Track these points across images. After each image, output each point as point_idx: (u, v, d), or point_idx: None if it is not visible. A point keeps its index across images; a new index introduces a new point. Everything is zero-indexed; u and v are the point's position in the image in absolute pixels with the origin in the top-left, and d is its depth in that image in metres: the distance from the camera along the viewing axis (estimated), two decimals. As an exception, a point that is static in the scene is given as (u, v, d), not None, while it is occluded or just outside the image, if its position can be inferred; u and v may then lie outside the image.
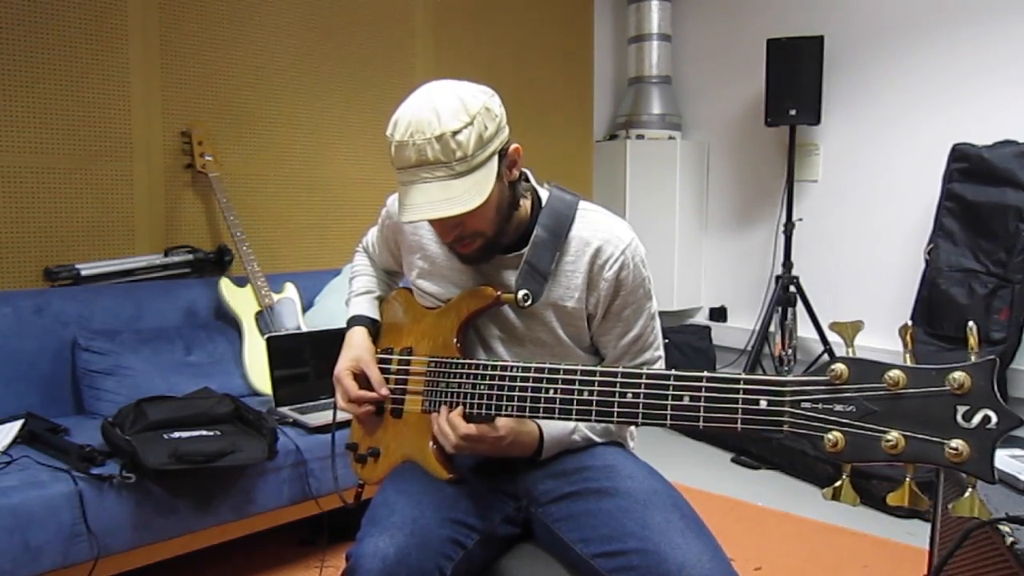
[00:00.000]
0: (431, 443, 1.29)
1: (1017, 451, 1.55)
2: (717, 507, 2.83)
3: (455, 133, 1.13)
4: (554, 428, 1.27)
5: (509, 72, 3.85)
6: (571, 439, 1.31)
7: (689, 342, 4.09)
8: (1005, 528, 1.23)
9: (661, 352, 1.41)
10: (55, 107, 2.55)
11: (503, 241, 1.28)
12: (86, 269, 2.55)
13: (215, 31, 2.91)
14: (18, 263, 2.51)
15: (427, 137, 1.13)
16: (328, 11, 3.22)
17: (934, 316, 3.27)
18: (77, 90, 2.59)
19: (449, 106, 1.15)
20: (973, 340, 0.85)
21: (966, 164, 3.23)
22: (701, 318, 4.46)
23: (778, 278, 3.81)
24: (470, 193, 1.14)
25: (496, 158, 1.19)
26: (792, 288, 3.74)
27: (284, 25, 3.10)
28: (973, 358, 0.84)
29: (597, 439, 1.35)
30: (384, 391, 1.37)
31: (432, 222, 1.25)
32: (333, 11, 3.24)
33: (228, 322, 2.66)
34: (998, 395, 0.82)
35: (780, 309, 3.78)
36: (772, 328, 3.81)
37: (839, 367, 0.90)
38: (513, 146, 1.24)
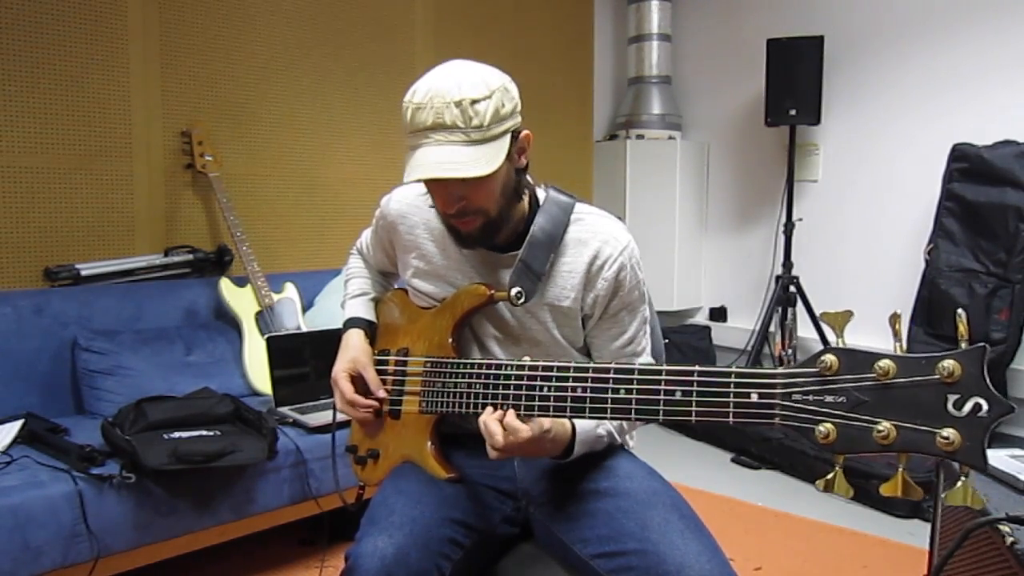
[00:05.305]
0: (429, 443, 1.29)
1: (1017, 451, 1.55)
2: (717, 507, 2.83)
3: (474, 101, 1.14)
4: (583, 427, 1.25)
5: (509, 72, 3.84)
6: (596, 433, 1.28)
7: (689, 342, 4.09)
8: (1005, 528, 1.23)
9: (651, 359, 1.41)
10: (55, 107, 2.55)
11: (502, 230, 1.28)
12: (86, 269, 2.56)
13: (215, 31, 2.91)
14: (18, 263, 2.51)
15: (446, 101, 1.14)
16: (328, 11, 3.22)
17: (934, 316, 3.27)
18: (77, 90, 2.59)
19: (471, 78, 1.17)
20: (963, 328, 0.85)
21: (966, 164, 3.23)
22: (701, 318, 4.46)
23: (778, 278, 3.81)
24: (480, 162, 1.15)
25: (509, 137, 1.20)
26: (792, 288, 3.75)
27: (284, 25, 3.10)
28: (963, 346, 0.84)
29: (618, 437, 1.34)
30: (381, 393, 1.37)
31: (436, 192, 1.24)
32: (333, 11, 3.24)
33: (228, 322, 2.66)
34: (988, 383, 0.82)
35: (780, 309, 3.78)
36: (772, 328, 3.81)
37: (829, 358, 0.89)
38: (524, 132, 1.25)
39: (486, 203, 1.22)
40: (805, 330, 3.76)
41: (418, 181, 1.18)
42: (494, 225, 1.25)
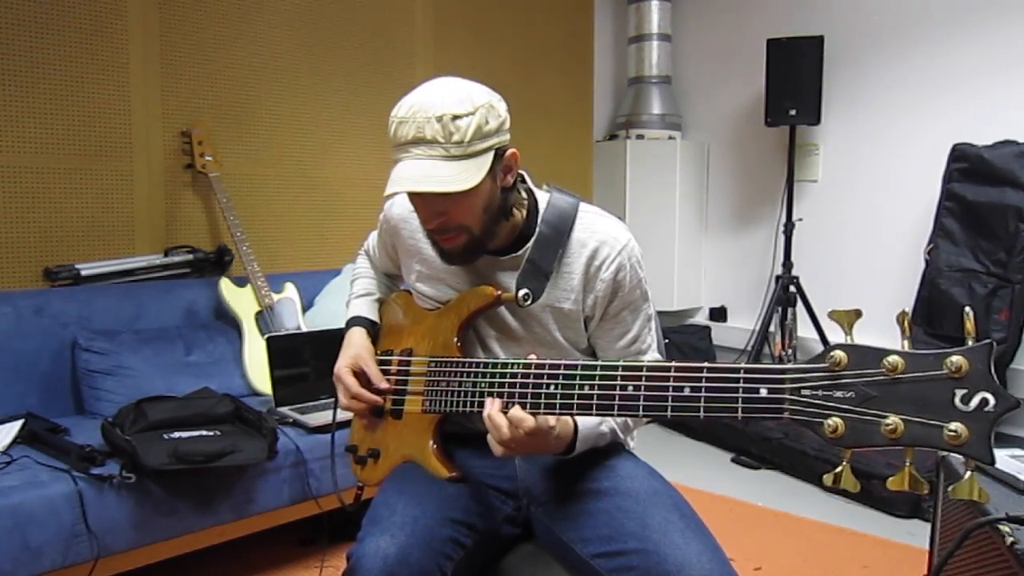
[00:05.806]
0: (431, 442, 1.29)
1: (1017, 451, 1.55)
2: (717, 507, 2.83)
3: (456, 117, 1.14)
4: (585, 423, 1.25)
5: (509, 72, 3.85)
6: (599, 429, 1.28)
7: (689, 342, 4.09)
8: (1005, 528, 1.23)
9: (657, 356, 1.41)
10: (55, 107, 2.55)
11: (489, 245, 1.27)
12: (86, 269, 2.56)
13: (215, 31, 2.91)
14: (18, 263, 2.51)
15: (428, 116, 1.14)
16: (328, 11, 3.22)
17: (934, 316, 3.27)
18: (77, 90, 2.59)
19: (455, 94, 1.17)
20: (970, 325, 0.86)
21: (966, 164, 3.23)
22: (701, 318, 4.46)
23: (778, 278, 3.81)
24: (458, 177, 1.14)
25: (492, 154, 1.19)
26: (792, 288, 3.75)
27: (284, 25, 3.10)
28: (970, 342, 0.85)
29: (620, 434, 1.35)
30: (384, 385, 1.37)
31: (418, 205, 1.24)
32: (333, 11, 3.24)
33: (228, 322, 2.66)
34: (995, 378, 0.83)
35: (780, 309, 3.78)
36: (772, 328, 3.81)
37: (838, 354, 0.90)
38: (511, 151, 1.23)
39: (467, 220, 1.21)
40: (805, 330, 3.76)
41: (396, 194, 1.18)
42: (478, 243, 1.25)
